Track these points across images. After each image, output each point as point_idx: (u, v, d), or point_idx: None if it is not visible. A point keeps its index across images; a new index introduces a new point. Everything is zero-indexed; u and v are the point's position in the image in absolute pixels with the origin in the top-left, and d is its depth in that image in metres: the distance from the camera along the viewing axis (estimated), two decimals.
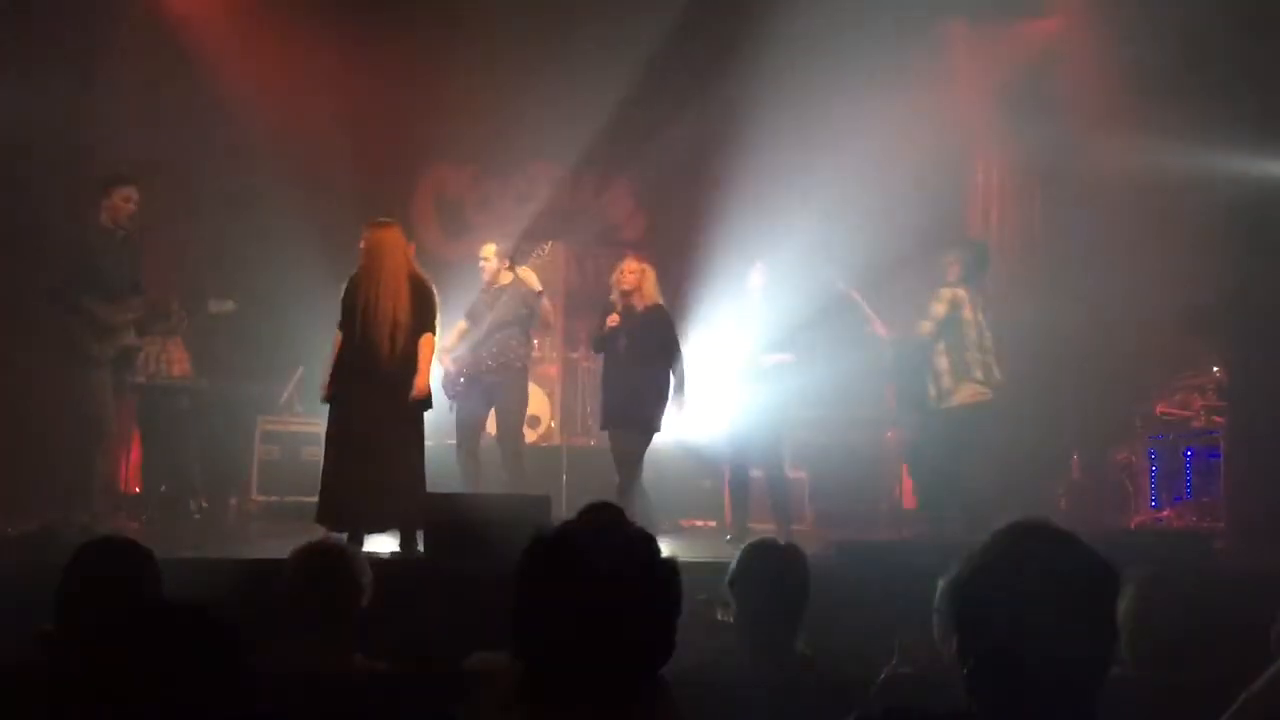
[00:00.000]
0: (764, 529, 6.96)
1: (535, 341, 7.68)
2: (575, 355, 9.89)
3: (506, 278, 7.35)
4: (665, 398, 6.97)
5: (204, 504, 7.70)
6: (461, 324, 7.44)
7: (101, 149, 8.13)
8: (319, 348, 8.06)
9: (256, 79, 8.60)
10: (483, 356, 7.21)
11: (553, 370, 10.00)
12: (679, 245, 9.35)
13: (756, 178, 9.45)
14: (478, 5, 8.91)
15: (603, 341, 7.15)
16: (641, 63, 8.94)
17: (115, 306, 6.36)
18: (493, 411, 7.33)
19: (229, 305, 7.09)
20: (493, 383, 7.21)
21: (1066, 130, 9.10)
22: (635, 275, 7.06)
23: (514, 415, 7.32)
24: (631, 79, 8.96)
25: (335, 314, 6.15)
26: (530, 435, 9.31)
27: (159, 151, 8.38)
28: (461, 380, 7.24)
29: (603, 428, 7.21)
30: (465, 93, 9.07)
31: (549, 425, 9.65)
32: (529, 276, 7.30)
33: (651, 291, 7.09)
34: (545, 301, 7.32)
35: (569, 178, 10.20)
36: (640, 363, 6.94)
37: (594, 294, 10.25)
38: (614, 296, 7.13)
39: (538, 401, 9.58)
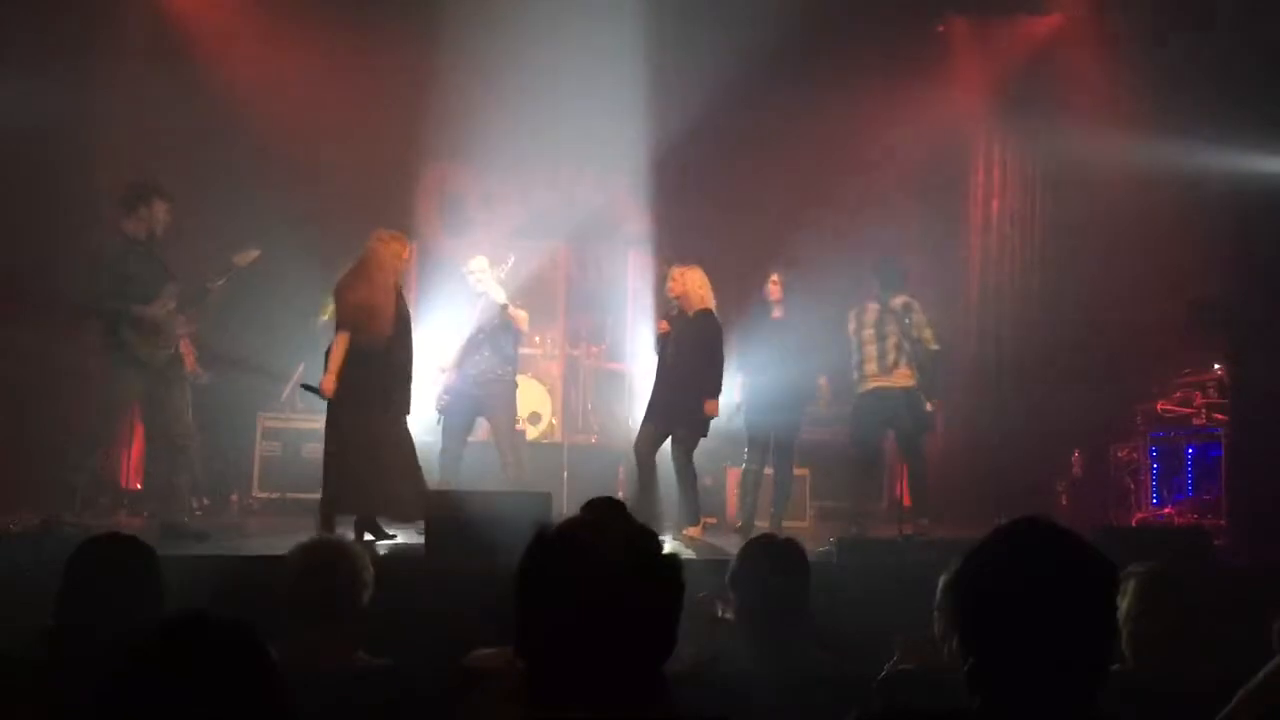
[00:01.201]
0: (765, 527, 7.01)
1: (518, 350, 7.71)
2: (576, 352, 9.88)
3: (480, 292, 7.39)
4: (703, 400, 7.05)
5: (204, 500, 7.69)
6: (459, 340, 7.49)
7: (102, 147, 8.16)
8: (320, 344, 8.09)
9: (259, 76, 8.59)
10: (468, 373, 7.33)
11: (554, 367, 9.99)
12: (679, 242, 9.34)
13: (757, 175, 9.46)
14: (481, 7, 8.91)
15: (657, 345, 7.37)
16: (642, 60, 8.94)
17: (155, 305, 6.32)
18: (484, 421, 7.49)
19: (253, 253, 6.71)
20: (479, 396, 7.32)
21: (1067, 127, 9.11)
22: (677, 282, 7.19)
23: (505, 423, 7.45)
24: (632, 77, 8.95)
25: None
26: (532, 432, 9.32)
27: (160, 150, 8.39)
28: (446, 396, 7.35)
29: (643, 420, 7.28)
30: (468, 90, 9.06)
31: (550, 422, 9.64)
32: (494, 290, 7.34)
33: (700, 295, 7.16)
34: (513, 310, 7.37)
35: (570, 175, 10.19)
36: (682, 366, 7.04)
37: (595, 291, 10.26)
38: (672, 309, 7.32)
39: (539, 398, 9.58)
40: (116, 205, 6.44)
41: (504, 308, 7.31)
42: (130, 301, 6.23)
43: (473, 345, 7.35)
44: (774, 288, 7.59)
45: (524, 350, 9.68)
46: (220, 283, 6.61)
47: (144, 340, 6.25)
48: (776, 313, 7.56)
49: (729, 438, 7.77)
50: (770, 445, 7.54)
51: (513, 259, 7.67)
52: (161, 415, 6.43)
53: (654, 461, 7.04)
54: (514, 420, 7.67)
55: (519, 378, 7.81)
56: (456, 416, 7.36)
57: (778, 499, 7.56)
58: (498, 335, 7.37)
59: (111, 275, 6.25)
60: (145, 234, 6.37)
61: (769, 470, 7.60)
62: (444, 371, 7.43)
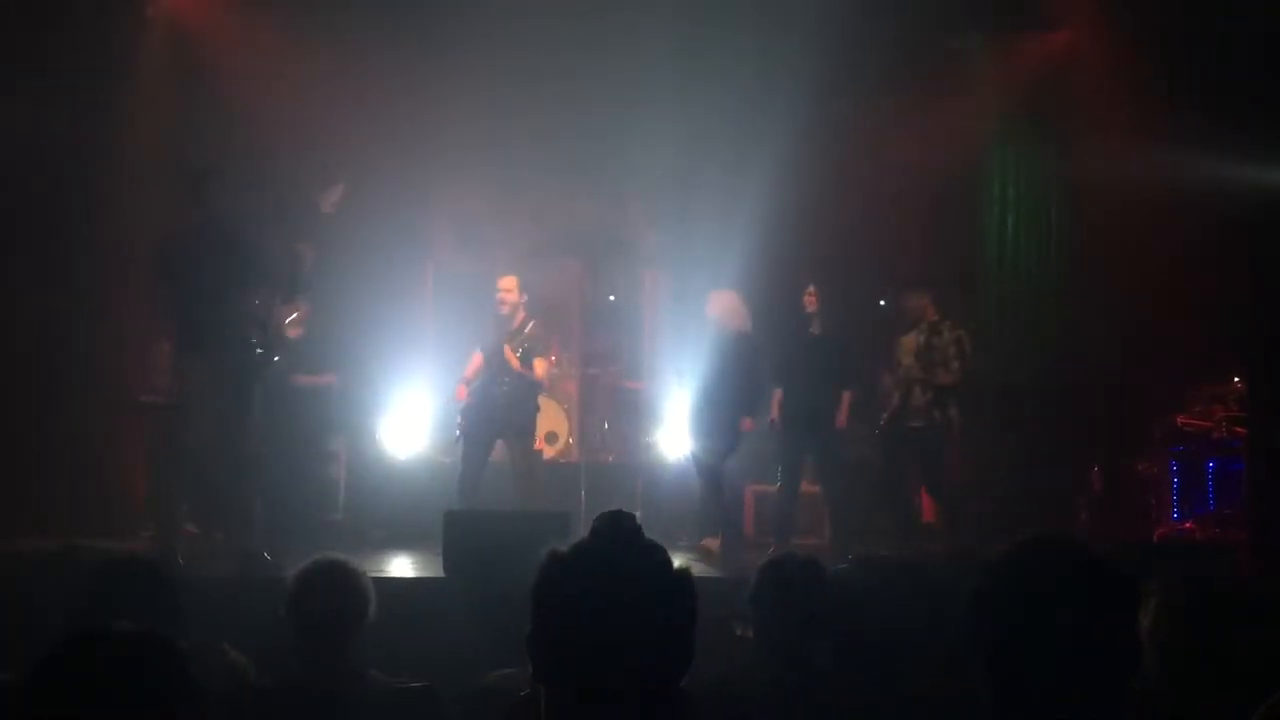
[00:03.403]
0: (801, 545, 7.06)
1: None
2: (593, 371, 9.89)
3: (532, 331, 7.49)
4: (739, 415, 7.20)
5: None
6: (478, 356, 7.54)
7: (118, 172, 8.24)
8: (338, 367, 8.10)
9: (274, 98, 8.65)
10: (491, 395, 7.35)
11: (570, 387, 10.00)
12: (693, 260, 9.34)
13: (769, 191, 9.45)
14: (496, 25, 8.96)
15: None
16: (654, 78, 8.95)
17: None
18: (501, 443, 7.53)
19: (338, 191, 6.31)
20: (501, 418, 7.36)
21: (1082, 141, 9.09)
22: (714, 305, 7.36)
23: (524, 445, 7.50)
24: (644, 94, 8.96)
25: (351, 335, 6.30)
26: (549, 452, 9.32)
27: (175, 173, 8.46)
28: (465, 416, 7.40)
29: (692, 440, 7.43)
30: (481, 109, 9.10)
31: (567, 442, 9.65)
32: (540, 367, 7.49)
33: (733, 318, 7.31)
34: (537, 361, 7.50)
35: (583, 193, 10.21)
36: (715, 384, 7.15)
37: (611, 310, 10.27)
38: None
39: (556, 418, 9.58)
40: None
41: (539, 383, 7.50)
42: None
43: (498, 367, 7.35)
44: (810, 300, 7.64)
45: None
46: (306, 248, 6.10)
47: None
48: (814, 327, 7.62)
49: (753, 455, 7.80)
50: (807, 463, 7.64)
51: (533, 324, 7.59)
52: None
53: (717, 478, 7.18)
54: (533, 442, 7.68)
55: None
56: (477, 438, 7.37)
57: (834, 520, 7.69)
58: (531, 383, 7.47)
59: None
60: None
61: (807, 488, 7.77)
62: (465, 385, 7.46)
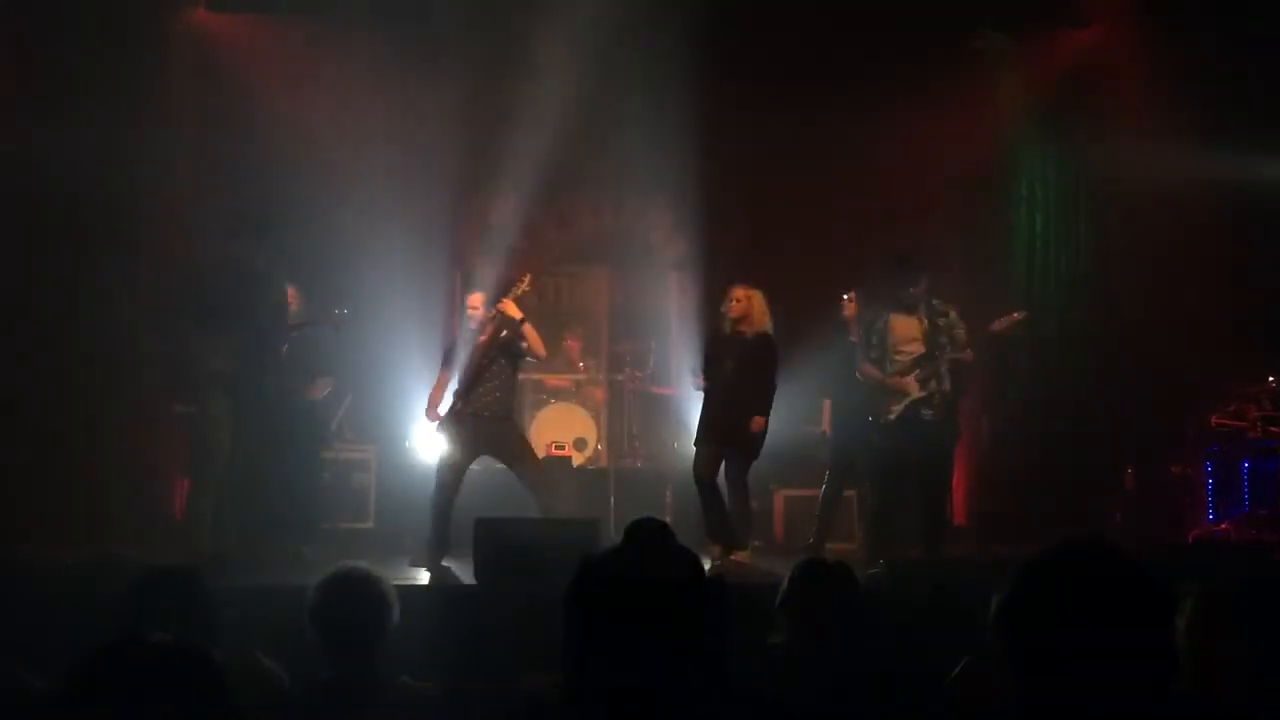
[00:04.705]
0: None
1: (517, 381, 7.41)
2: (620, 377, 9.89)
3: (487, 315, 7.09)
4: (766, 418, 6.93)
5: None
6: (443, 374, 7.15)
7: (148, 186, 8.32)
8: (368, 375, 8.14)
9: (304, 112, 8.71)
10: (474, 403, 6.92)
11: (598, 393, 10.01)
12: (717, 265, 9.34)
13: (792, 195, 9.44)
14: (520, 39, 9.01)
15: (698, 383, 7.23)
16: (676, 85, 8.96)
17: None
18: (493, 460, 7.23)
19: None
20: (486, 434, 6.92)
21: (1111, 138, 9.03)
22: (742, 303, 6.99)
23: (526, 459, 7.06)
24: (672, 102, 8.97)
25: (381, 342, 6.35)
26: (578, 458, 9.32)
27: (206, 187, 8.54)
28: (438, 426, 6.99)
29: (696, 443, 7.06)
30: (508, 120, 9.14)
31: (596, 448, 9.65)
32: (508, 307, 6.94)
33: (760, 318, 7.00)
34: (528, 327, 6.96)
35: (612, 201, 10.23)
36: (740, 387, 6.89)
37: (638, 316, 10.27)
38: (724, 324, 7.11)
39: (585, 424, 9.60)
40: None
41: (521, 321, 6.91)
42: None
43: (476, 378, 6.95)
44: (850, 305, 7.54)
45: (573, 376, 9.72)
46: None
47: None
48: (853, 334, 7.49)
49: (789, 460, 7.77)
50: (855, 468, 7.52)
51: (527, 278, 7.22)
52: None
53: (716, 483, 6.89)
54: (528, 447, 7.31)
55: (561, 405, 7.71)
56: (455, 455, 6.90)
57: (871, 523, 7.47)
58: (510, 357, 7.03)
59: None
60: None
61: (848, 493, 7.75)
62: (434, 409, 7.06)
